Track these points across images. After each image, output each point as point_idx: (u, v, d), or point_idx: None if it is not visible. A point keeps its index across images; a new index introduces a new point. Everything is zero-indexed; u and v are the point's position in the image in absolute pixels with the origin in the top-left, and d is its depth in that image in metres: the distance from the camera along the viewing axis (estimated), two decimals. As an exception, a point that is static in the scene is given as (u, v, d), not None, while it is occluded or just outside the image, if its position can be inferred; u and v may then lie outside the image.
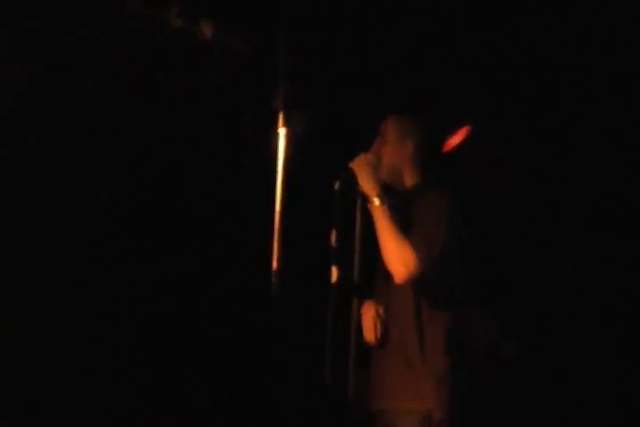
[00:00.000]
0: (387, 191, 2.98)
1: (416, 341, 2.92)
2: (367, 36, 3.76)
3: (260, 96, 3.12)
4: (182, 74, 3.73)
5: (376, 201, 2.91)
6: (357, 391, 2.91)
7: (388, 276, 2.95)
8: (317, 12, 3.52)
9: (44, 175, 3.77)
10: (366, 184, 2.95)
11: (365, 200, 2.96)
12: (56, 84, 3.68)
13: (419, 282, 2.89)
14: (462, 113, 3.56)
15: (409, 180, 3.11)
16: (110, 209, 3.90)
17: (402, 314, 2.98)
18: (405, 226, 2.90)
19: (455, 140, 3.24)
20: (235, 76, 3.74)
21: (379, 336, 3.01)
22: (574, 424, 3.81)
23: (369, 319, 3.05)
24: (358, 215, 2.97)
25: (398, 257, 2.85)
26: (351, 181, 2.98)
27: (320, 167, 3.33)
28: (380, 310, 3.05)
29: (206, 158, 3.98)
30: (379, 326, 3.02)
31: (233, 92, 3.83)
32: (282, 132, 2.64)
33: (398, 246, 2.85)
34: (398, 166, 3.09)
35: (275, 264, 2.59)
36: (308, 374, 3.53)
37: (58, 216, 3.79)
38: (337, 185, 2.97)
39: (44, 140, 3.74)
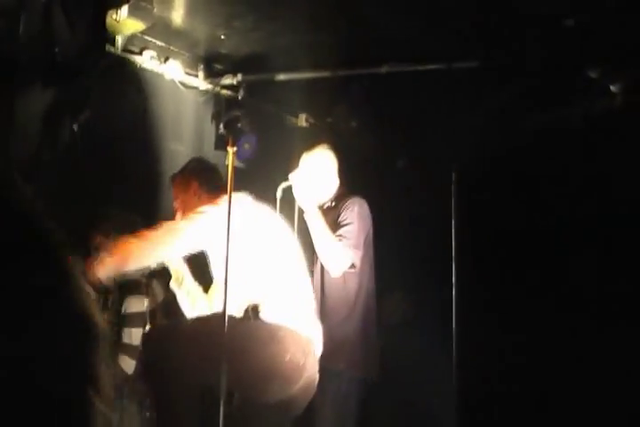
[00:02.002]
0: (316, 197, 3.69)
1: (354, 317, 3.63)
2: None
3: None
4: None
5: (309, 210, 3.58)
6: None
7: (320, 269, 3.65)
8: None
9: None
10: (301, 196, 3.60)
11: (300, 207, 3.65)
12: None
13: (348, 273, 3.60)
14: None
15: (332, 190, 3.80)
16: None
17: (340, 299, 3.65)
18: (332, 226, 3.60)
19: None
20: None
21: None
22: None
23: None
24: (296, 217, 3.65)
25: (331, 256, 3.53)
26: (290, 190, 3.65)
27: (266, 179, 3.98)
28: None
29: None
30: None
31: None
32: (230, 150, 3.26)
33: (330, 247, 3.53)
34: (321, 184, 3.77)
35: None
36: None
37: None
38: (279, 193, 3.65)
39: None
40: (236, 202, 3.06)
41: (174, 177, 3.49)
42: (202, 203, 3.23)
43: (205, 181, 3.35)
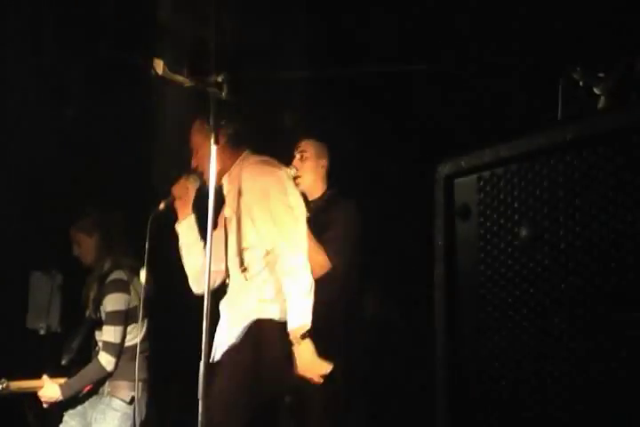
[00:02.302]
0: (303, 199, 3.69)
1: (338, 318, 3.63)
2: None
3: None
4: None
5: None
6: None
7: None
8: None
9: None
10: None
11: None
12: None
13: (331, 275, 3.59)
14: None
15: (320, 190, 3.79)
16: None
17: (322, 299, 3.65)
18: (318, 228, 3.59)
19: None
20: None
21: None
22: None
23: None
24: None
25: (313, 258, 3.52)
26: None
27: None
28: None
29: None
30: None
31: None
32: (214, 147, 3.22)
33: (312, 249, 3.52)
34: (313, 179, 3.76)
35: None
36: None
37: None
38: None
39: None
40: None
41: (193, 124, 3.16)
42: (224, 157, 2.92)
43: (232, 130, 3.00)
